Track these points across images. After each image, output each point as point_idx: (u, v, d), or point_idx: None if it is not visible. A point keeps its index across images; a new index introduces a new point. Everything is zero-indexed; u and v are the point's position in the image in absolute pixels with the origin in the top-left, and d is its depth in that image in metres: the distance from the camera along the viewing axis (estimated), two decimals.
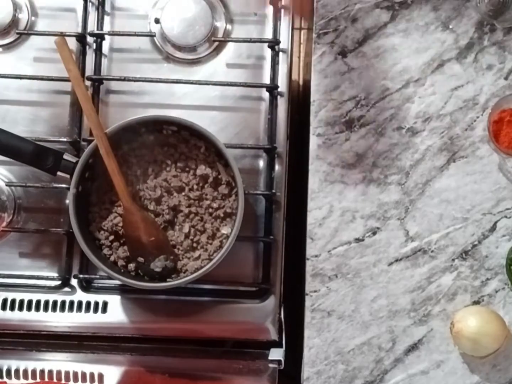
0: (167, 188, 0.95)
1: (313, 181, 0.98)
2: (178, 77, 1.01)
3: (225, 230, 0.94)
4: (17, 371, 0.96)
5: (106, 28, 1.03)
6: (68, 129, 1.02)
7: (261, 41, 1.02)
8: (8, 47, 1.03)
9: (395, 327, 0.96)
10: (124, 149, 0.96)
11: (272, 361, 0.94)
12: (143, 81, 1.01)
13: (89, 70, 1.02)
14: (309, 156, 0.98)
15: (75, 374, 0.95)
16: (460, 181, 0.97)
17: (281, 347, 0.96)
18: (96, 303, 0.98)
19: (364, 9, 1.00)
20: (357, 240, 0.97)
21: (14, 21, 1.02)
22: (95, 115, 0.93)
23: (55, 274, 1.00)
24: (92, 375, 0.95)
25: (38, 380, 0.95)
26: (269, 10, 1.03)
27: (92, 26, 1.03)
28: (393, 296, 0.96)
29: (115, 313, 0.98)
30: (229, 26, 1.04)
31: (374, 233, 0.97)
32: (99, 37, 1.02)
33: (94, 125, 0.91)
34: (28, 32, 1.03)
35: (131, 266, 0.94)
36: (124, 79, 1.01)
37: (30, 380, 0.95)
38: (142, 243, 0.93)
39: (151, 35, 1.02)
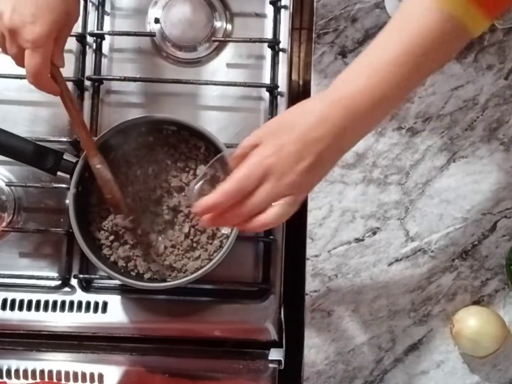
0: (167, 188, 0.95)
1: None
2: (178, 77, 1.01)
3: (225, 230, 0.94)
4: (17, 371, 0.96)
5: (106, 28, 1.04)
6: (68, 129, 1.02)
7: (261, 41, 1.02)
8: None
9: (395, 327, 0.96)
10: (124, 149, 0.96)
11: (272, 361, 0.94)
12: (143, 81, 1.01)
13: (89, 70, 1.02)
14: None
15: (75, 374, 0.95)
16: (460, 181, 0.97)
17: (281, 347, 0.96)
18: (96, 303, 0.98)
19: (364, 9, 1.00)
20: (357, 240, 0.97)
21: None
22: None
23: (55, 274, 1.00)
24: (92, 375, 0.95)
25: (38, 380, 0.95)
26: (269, 10, 1.03)
27: (92, 26, 1.03)
28: (393, 296, 0.96)
29: (115, 313, 0.98)
30: (229, 26, 1.04)
31: (374, 233, 0.97)
32: (99, 37, 1.02)
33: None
34: None
35: (131, 265, 0.94)
36: (124, 79, 1.01)
37: (30, 380, 0.95)
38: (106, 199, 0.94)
39: (151, 35, 1.03)
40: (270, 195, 0.75)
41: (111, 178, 0.91)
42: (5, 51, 0.85)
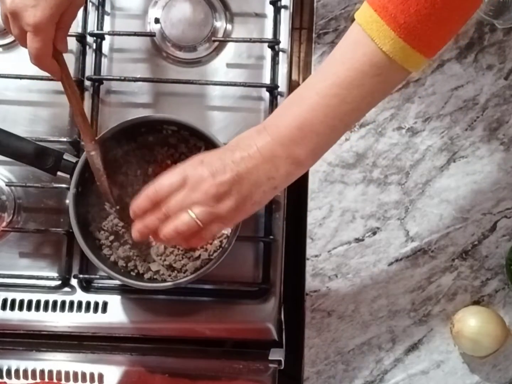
0: None
1: (313, 181, 0.98)
2: (178, 77, 1.01)
3: (225, 230, 0.94)
4: (17, 371, 0.96)
5: (106, 28, 1.03)
6: (68, 129, 1.02)
7: (261, 41, 1.02)
8: (8, 47, 1.03)
9: (395, 327, 0.96)
10: (124, 149, 0.96)
11: (272, 361, 0.94)
12: (143, 81, 1.01)
13: (89, 70, 1.02)
14: None
15: (75, 374, 0.95)
16: (460, 181, 0.97)
17: (281, 347, 0.96)
18: (96, 303, 0.98)
19: None
20: (357, 240, 0.97)
21: None
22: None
23: (55, 274, 1.00)
24: (92, 375, 0.95)
25: (38, 380, 0.95)
26: (269, 10, 1.03)
27: (92, 26, 1.03)
28: (393, 296, 0.96)
29: (115, 313, 0.98)
30: (229, 26, 1.04)
31: (374, 233, 0.97)
32: (99, 37, 1.02)
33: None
34: None
35: (131, 265, 0.94)
36: (124, 79, 1.01)
37: (30, 380, 0.95)
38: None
39: (151, 35, 1.02)
40: (183, 200, 0.76)
41: (100, 168, 0.91)
42: (9, 32, 0.85)
